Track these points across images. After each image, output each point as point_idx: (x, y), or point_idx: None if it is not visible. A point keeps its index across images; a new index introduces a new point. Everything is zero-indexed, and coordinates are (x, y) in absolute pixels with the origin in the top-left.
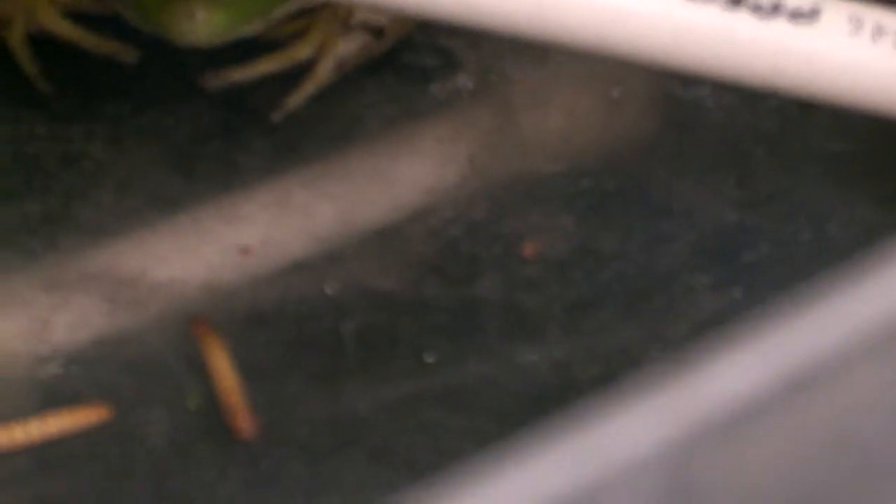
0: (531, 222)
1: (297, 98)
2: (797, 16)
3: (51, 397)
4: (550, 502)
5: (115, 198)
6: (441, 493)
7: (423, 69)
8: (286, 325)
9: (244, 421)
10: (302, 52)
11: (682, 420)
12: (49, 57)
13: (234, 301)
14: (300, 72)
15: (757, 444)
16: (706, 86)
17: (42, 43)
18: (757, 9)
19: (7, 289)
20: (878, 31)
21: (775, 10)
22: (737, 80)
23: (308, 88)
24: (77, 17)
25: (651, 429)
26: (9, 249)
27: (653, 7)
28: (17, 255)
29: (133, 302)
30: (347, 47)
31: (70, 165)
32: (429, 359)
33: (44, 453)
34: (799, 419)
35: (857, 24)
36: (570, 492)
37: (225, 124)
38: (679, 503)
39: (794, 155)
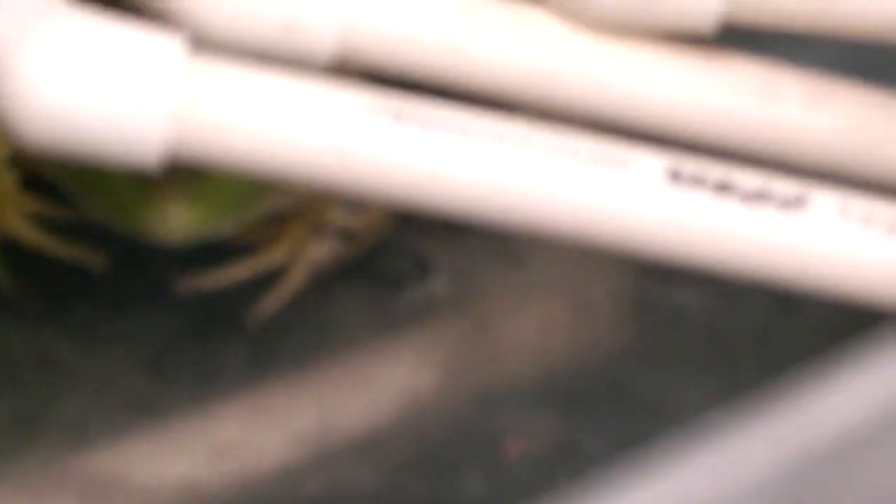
0: (512, 423)
1: (271, 303)
2: (786, 205)
3: None
4: None
5: (89, 401)
6: None
7: (396, 273)
8: None
9: None
10: (274, 257)
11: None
12: (21, 262)
13: None
14: (275, 276)
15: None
16: (686, 287)
17: (13, 248)
18: (745, 197)
19: None
20: (868, 220)
21: (762, 198)
22: (723, 271)
23: (282, 293)
24: (44, 222)
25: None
26: None
27: (638, 196)
28: None
29: None
30: (320, 252)
31: (44, 368)
32: None
33: None
34: None
35: (844, 212)
36: None
37: (199, 328)
38: None
39: (778, 354)
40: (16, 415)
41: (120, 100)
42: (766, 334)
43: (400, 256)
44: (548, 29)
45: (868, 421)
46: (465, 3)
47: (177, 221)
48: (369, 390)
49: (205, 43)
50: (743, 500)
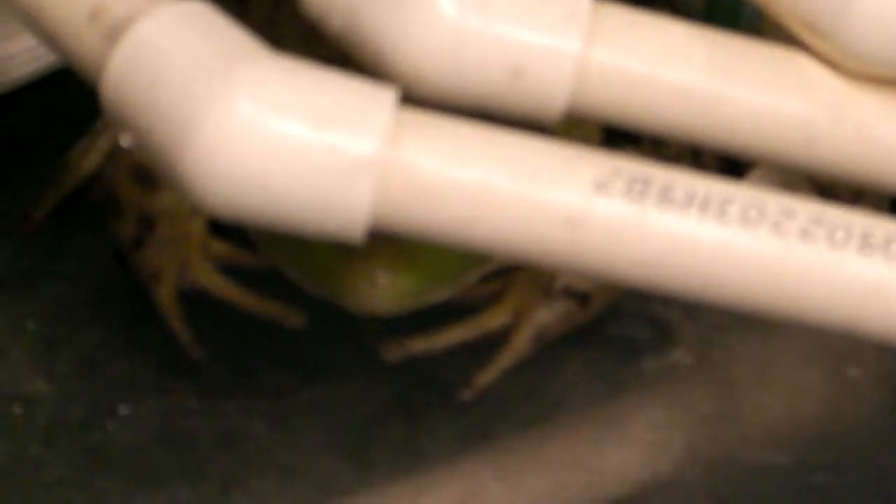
0: None
1: (490, 373)
2: None
3: None
4: None
5: (278, 486)
6: None
7: (633, 341)
8: None
9: None
10: (496, 319)
11: None
12: (203, 317)
13: None
14: (494, 342)
15: None
16: None
17: (195, 301)
18: None
19: None
20: None
21: None
22: None
23: (503, 362)
24: (235, 273)
25: None
26: None
27: None
28: None
29: None
30: (548, 315)
31: (227, 446)
32: None
33: None
34: None
35: None
36: None
37: (406, 402)
38: None
39: None
40: (197, 500)
41: (323, 158)
42: None
43: (636, 321)
44: (811, 75)
45: None
46: (715, 42)
47: (385, 292)
48: (597, 478)
49: (415, 98)
50: None
